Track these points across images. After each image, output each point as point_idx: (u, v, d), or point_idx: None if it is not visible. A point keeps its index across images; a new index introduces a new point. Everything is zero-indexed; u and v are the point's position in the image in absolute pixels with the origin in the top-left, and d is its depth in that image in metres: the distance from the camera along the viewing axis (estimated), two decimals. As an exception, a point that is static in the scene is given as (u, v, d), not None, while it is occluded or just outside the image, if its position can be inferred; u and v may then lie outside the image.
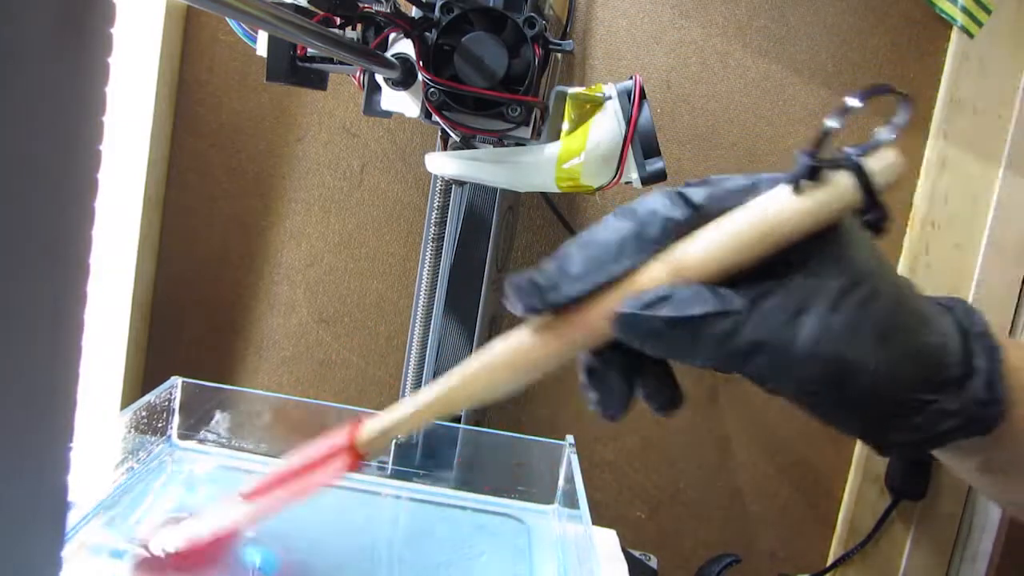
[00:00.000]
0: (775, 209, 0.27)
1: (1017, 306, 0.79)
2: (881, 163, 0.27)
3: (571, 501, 0.54)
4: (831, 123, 0.27)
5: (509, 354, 0.30)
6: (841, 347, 0.26)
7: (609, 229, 0.28)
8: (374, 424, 0.34)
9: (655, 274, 0.28)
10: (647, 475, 0.85)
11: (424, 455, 0.64)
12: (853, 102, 0.27)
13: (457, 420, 0.67)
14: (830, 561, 0.84)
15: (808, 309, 0.27)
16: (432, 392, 0.32)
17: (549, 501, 0.60)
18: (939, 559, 0.82)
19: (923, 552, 0.83)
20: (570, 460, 0.58)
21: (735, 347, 0.27)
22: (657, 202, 0.28)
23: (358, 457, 0.35)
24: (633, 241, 0.28)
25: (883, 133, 0.27)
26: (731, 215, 0.27)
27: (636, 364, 0.29)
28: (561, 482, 0.59)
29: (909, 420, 0.28)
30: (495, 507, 0.60)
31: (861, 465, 0.82)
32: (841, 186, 0.27)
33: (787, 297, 0.27)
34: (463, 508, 0.59)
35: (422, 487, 0.61)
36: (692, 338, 0.27)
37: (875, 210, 0.27)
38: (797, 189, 0.27)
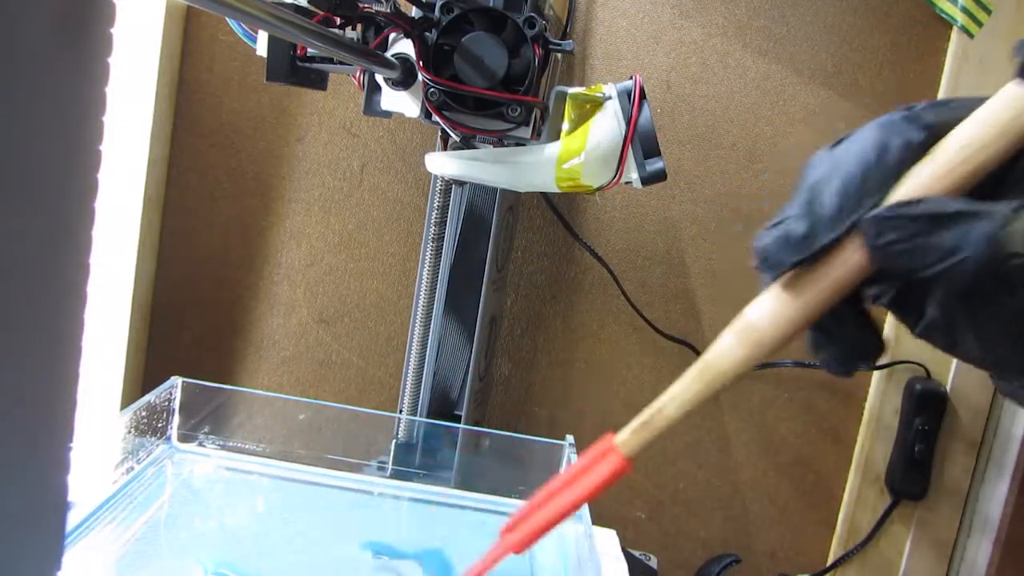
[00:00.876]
0: (1009, 104, 0.25)
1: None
2: None
3: (571, 501, 0.54)
4: None
5: (770, 315, 0.29)
6: None
7: (847, 159, 0.27)
8: (635, 421, 0.33)
9: (901, 196, 0.26)
10: (647, 475, 0.85)
11: (424, 455, 0.63)
12: None
13: (457, 420, 0.67)
14: (830, 561, 0.84)
15: None
16: (690, 373, 0.31)
17: (549, 501, 0.60)
18: (939, 559, 0.82)
19: (923, 552, 0.83)
20: (570, 460, 0.58)
21: (1005, 246, 0.24)
22: (892, 126, 0.27)
23: (623, 459, 0.34)
24: (877, 168, 0.27)
25: None
26: (963, 126, 0.26)
27: (863, 313, 0.29)
28: (561, 482, 0.59)
29: None
30: (495, 507, 0.60)
31: (861, 465, 0.82)
32: None
33: None
34: (463, 508, 0.59)
35: (422, 487, 0.61)
36: (961, 236, 0.24)
37: None
38: None
